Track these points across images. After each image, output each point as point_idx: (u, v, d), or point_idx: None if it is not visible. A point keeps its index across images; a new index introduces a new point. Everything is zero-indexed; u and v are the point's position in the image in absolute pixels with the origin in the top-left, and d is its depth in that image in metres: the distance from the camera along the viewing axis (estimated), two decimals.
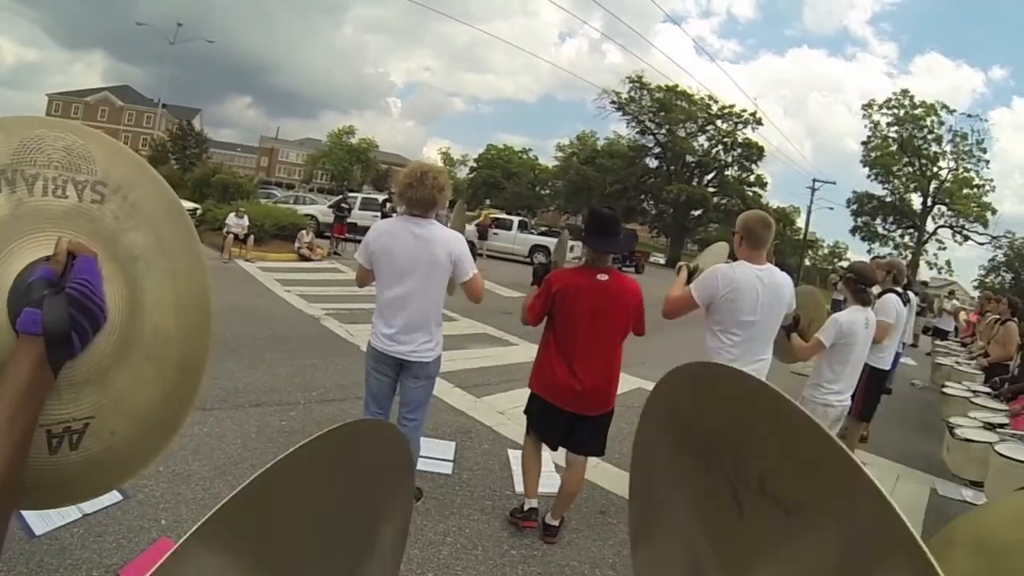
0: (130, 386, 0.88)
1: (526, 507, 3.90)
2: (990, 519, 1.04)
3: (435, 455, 4.76)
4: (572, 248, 3.65)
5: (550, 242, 25.12)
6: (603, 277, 3.61)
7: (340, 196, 24.97)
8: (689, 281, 3.88)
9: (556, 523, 3.90)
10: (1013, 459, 4.07)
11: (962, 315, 16.84)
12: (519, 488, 4.29)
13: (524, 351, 8.19)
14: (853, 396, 4.62)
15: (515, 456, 4.77)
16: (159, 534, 3.33)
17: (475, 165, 71.32)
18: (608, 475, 4.87)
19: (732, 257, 3.86)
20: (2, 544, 0.72)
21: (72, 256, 0.80)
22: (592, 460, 4.33)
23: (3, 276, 0.80)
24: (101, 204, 0.89)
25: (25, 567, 2.89)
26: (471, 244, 3.93)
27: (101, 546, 3.12)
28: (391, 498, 0.79)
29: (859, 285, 4.48)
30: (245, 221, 15.97)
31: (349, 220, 20.31)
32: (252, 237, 16.02)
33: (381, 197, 24.28)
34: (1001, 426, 5.07)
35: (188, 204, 19.75)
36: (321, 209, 24.17)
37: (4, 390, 0.73)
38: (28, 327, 0.75)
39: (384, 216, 15.95)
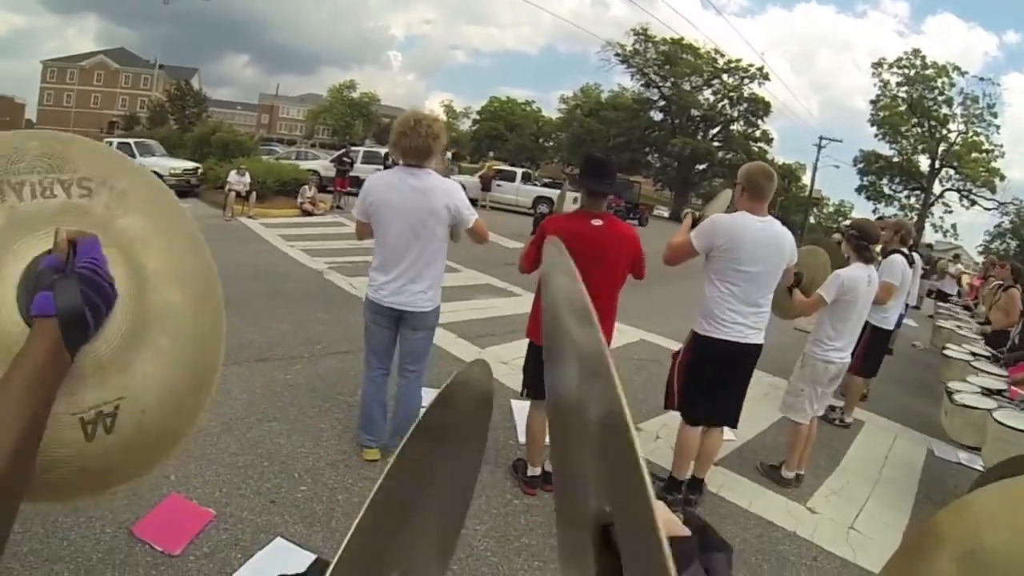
0: (152, 363, 0.89)
1: (530, 473, 3.92)
2: (981, 514, 1.00)
3: None
4: (576, 200, 3.64)
5: (553, 194, 24.92)
6: (598, 222, 3.59)
7: (342, 150, 24.81)
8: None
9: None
10: (1011, 427, 4.11)
11: (965, 279, 16.80)
12: (522, 439, 4.34)
13: (528, 301, 8.22)
14: (854, 353, 4.66)
15: (518, 407, 4.81)
16: (169, 490, 3.39)
17: (478, 118, 70.55)
18: None
19: (734, 208, 3.86)
20: (12, 522, 0.71)
21: (72, 244, 0.81)
22: None
23: (11, 276, 0.81)
24: (90, 197, 0.90)
25: (41, 527, 2.95)
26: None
27: (113, 504, 3.16)
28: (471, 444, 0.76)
29: (861, 242, 4.48)
30: (247, 178, 15.91)
31: (352, 174, 20.22)
32: (254, 194, 15.98)
33: (383, 150, 24.13)
34: (1000, 392, 5.10)
35: (189, 164, 19.73)
36: (323, 164, 24.04)
37: (19, 368, 0.72)
38: (41, 309, 0.75)
39: (386, 168, 15.87)
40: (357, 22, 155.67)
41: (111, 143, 19.65)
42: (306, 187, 17.34)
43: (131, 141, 20.44)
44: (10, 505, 0.71)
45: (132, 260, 0.90)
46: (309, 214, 16.75)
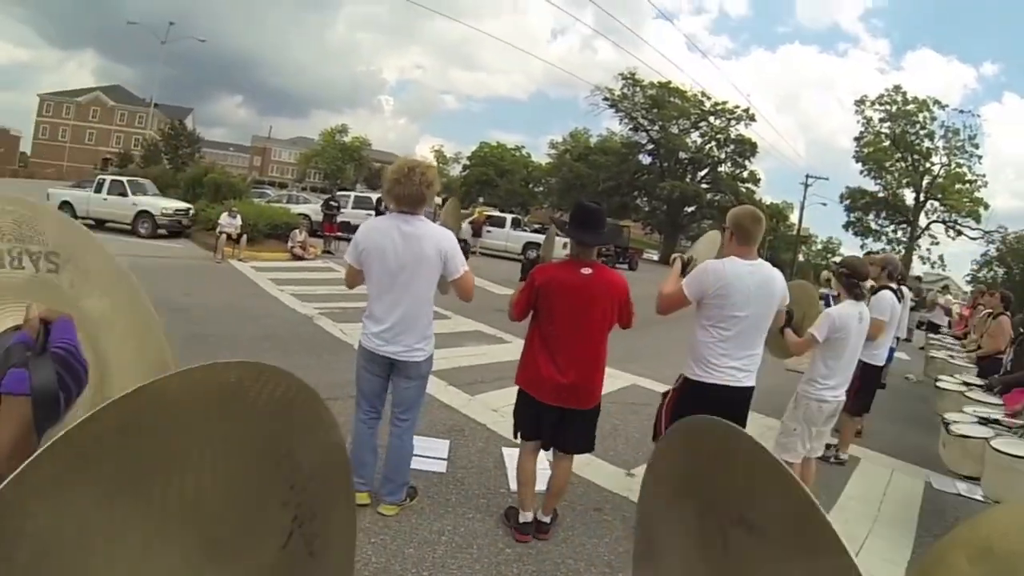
0: None
1: (521, 519, 3.86)
2: (996, 525, 1.05)
3: (429, 453, 4.76)
4: (566, 245, 3.65)
5: (543, 239, 25.05)
6: (587, 271, 3.59)
7: (329, 195, 24.93)
8: (684, 273, 3.88)
9: (548, 519, 3.90)
10: (1010, 454, 4.09)
11: (955, 309, 16.91)
12: (513, 486, 4.29)
13: (518, 348, 8.17)
14: (848, 391, 4.65)
15: (509, 454, 4.77)
16: None
17: (468, 163, 71.16)
18: (602, 472, 4.89)
19: (722, 250, 3.87)
20: None
21: (45, 322, 0.78)
22: (585, 457, 4.34)
23: None
24: (57, 273, 0.89)
25: None
26: (464, 243, 3.94)
27: None
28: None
29: (851, 279, 4.50)
30: (238, 221, 15.94)
31: (342, 219, 20.29)
32: (245, 237, 16.00)
33: (375, 195, 24.25)
34: (996, 421, 5.09)
35: (181, 204, 19.77)
36: (314, 208, 24.17)
37: None
38: (15, 387, 0.71)
39: (378, 214, 15.94)
40: (350, 66, 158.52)
41: (104, 180, 19.74)
42: (297, 231, 17.35)
43: (124, 179, 20.44)
44: None
45: (94, 344, 0.89)
46: (300, 259, 16.74)
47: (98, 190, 19.35)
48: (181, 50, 62.24)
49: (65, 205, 18.22)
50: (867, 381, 5.92)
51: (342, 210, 21.38)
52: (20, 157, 71.81)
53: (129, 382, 0.92)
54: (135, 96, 79.04)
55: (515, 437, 3.97)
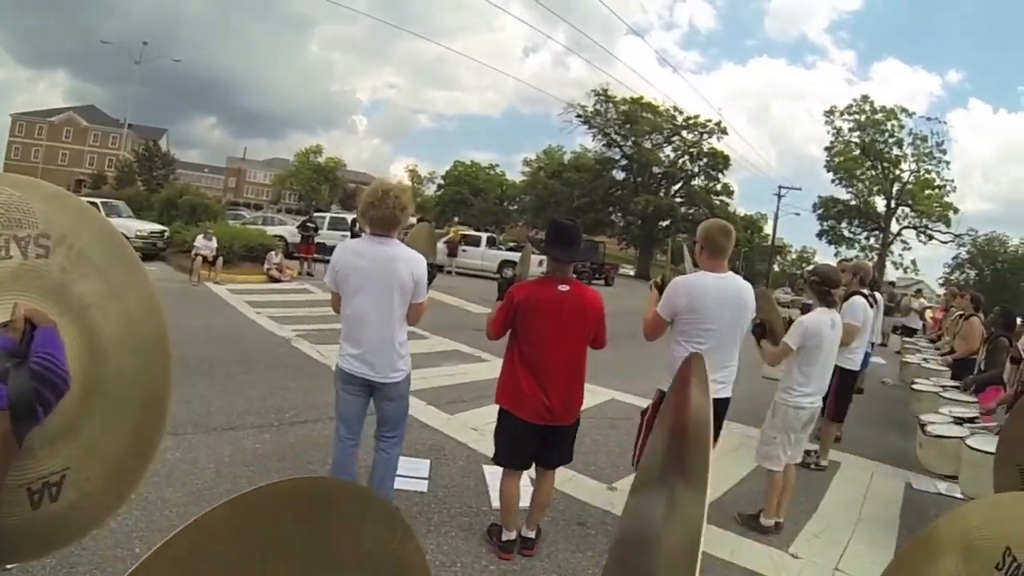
0: (100, 432, 0.90)
1: (504, 537, 3.84)
2: (975, 520, 1.09)
3: (410, 473, 4.74)
4: (542, 263, 3.67)
5: (519, 257, 25.09)
6: (564, 288, 3.62)
7: (306, 216, 24.81)
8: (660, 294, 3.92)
9: (532, 534, 3.90)
10: (985, 452, 4.16)
11: (928, 313, 17.10)
12: (495, 504, 4.29)
13: (496, 367, 8.19)
14: (825, 398, 4.70)
15: (490, 472, 4.76)
16: (133, 563, 3.27)
17: (443, 182, 71.31)
18: (585, 487, 4.90)
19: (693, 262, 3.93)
20: None
21: (30, 323, 0.79)
22: (567, 472, 4.36)
23: None
24: (47, 258, 0.88)
25: None
26: (439, 267, 3.95)
27: None
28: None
29: (823, 287, 4.57)
30: (214, 243, 15.79)
31: (318, 240, 20.18)
32: (221, 259, 15.83)
33: (350, 216, 24.15)
34: (972, 419, 5.17)
35: (156, 226, 19.57)
36: (290, 230, 24.00)
37: None
38: None
39: (353, 236, 15.89)
40: (323, 86, 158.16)
41: None
42: (273, 253, 17.25)
43: (98, 201, 20.26)
44: None
45: (86, 328, 0.89)
46: (276, 280, 16.62)
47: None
48: (155, 71, 62.08)
49: None
50: (844, 386, 6.01)
51: (319, 231, 21.29)
52: None
53: (125, 364, 0.93)
54: (109, 116, 78.40)
55: (494, 462, 3.97)
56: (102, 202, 20.05)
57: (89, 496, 0.90)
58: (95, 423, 0.89)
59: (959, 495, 4.83)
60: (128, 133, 65.25)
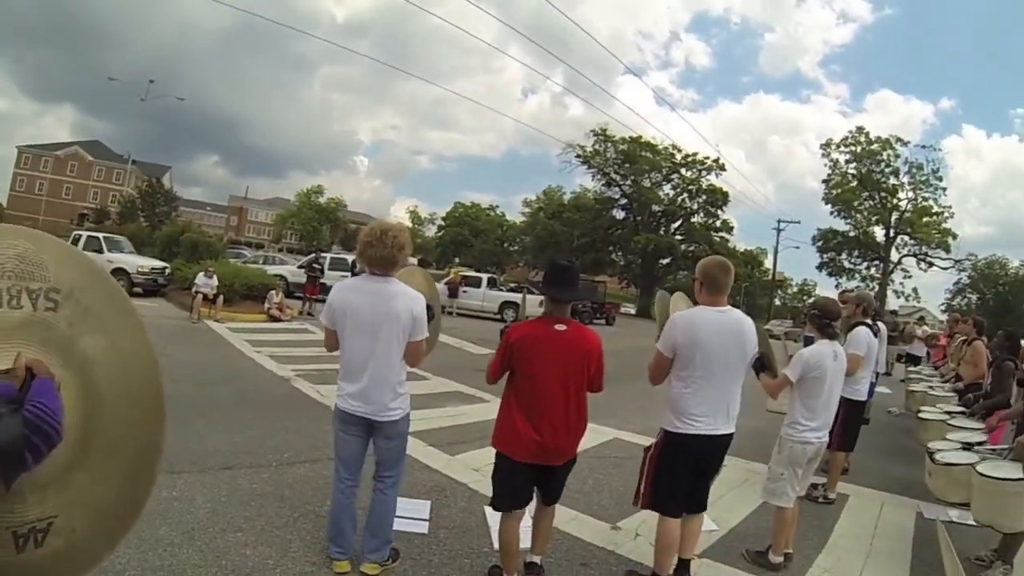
0: (91, 482, 0.90)
1: None
2: None
3: (410, 514, 4.67)
4: (541, 303, 3.66)
5: (519, 298, 25.23)
6: (561, 327, 3.58)
7: (312, 256, 24.79)
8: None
9: (538, 559, 3.86)
10: (995, 477, 4.11)
11: (936, 332, 16.98)
12: (496, 545, 4.21)
13: (497, 408, 8.21)
14: (831, 432, 4.65)
15: (491, 513, 4.68)
16: None
17: (443, 223, 71.74)
18: (588, 527, 4.82)
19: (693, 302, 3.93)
20: None
21: (30, 372, 0.79)
22: (570, 513, 4.30)
23: None
24: (55, 312, 0.89)
25: None
26: (432, 310, 3.94)
27: None
28: None
29: (823, 320, 4.56)
30: (214, 281, 15.83)
31: (323, 280, 20.13)
32: (221, 297, 15.87)
33: (350, 257, 24.17)
34: (980, 444, 5.12)
35: (157, 263, 19.66)
36: (291, 269, 24.04)
37: None
38: None
39: (353, 276, 15.88)
40: (325, 126, 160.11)
41: (80, 236, 19.56)
42: (273, 292, 17.26)
43: (100, 235, 20.37)
44: None
45: (87, 382, 0.89)
46: (276, 320, 16.60)
47: (73, 245, 19.12)
48: (160, 108, 62.84)
49: None
50: (851, 417, 5.96)
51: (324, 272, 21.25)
52: None
53: (120, 416, 0.93)
54: (114, 152, 79.35)
55: (492, 507, 3.91)
56: (104, 237, 20.17)
57: (74, 547, 0.89)
58: (86, 474, 0.88)
59: (971, 522, 4.76)
60: (132, 169, 65.98)
